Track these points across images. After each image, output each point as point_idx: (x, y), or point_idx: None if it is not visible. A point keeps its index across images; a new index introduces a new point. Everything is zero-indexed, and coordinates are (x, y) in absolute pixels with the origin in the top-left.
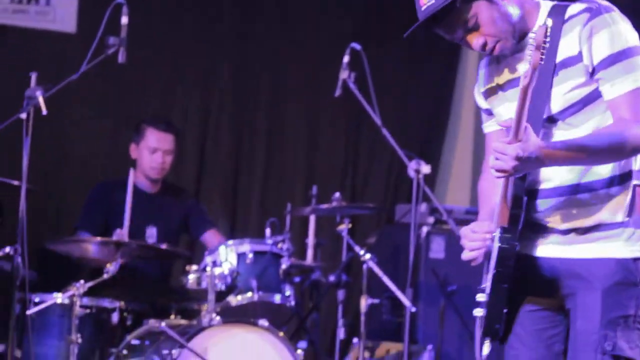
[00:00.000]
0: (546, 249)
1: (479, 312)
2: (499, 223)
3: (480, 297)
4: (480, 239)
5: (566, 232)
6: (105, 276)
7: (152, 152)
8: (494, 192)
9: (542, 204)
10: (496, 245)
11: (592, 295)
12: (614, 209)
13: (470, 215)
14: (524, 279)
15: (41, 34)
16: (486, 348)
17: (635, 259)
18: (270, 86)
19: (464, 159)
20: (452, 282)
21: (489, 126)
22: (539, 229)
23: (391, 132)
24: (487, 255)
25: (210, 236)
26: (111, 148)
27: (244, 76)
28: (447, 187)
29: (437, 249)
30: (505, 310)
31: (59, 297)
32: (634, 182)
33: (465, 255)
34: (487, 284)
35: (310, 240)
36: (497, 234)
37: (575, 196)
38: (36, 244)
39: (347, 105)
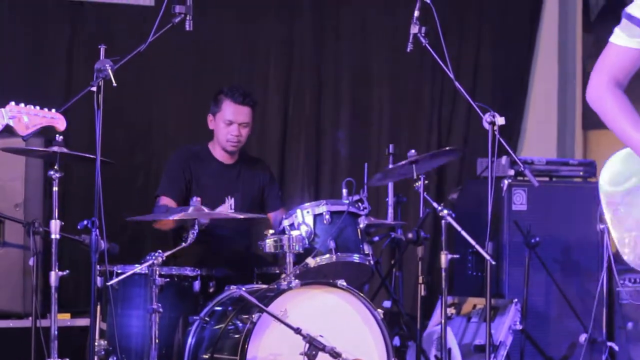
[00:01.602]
0: None
1: None
2: None
3: None
4: None
5: None
6: (183, 244)
7: (228, 125)
8: (632, 113)
9: None
10: None
11: None
12: None
13: (551, 165)
14: None
15: (119, 8)
16: None
17: None
18: (352, 48)
19: (550, 110)
20: (535, 234)
21: (633, 42)
22: None
23: (472, 86)
24: None
25: (276, 215)
26: (193, 119)
27: (324, 39)
28: (532, 139)
29: (519, 202)
30: None
31: (137, 268)
32: None
33: None
34: None
35: (390, 198)
36: None
37: None
38: (120, 217)
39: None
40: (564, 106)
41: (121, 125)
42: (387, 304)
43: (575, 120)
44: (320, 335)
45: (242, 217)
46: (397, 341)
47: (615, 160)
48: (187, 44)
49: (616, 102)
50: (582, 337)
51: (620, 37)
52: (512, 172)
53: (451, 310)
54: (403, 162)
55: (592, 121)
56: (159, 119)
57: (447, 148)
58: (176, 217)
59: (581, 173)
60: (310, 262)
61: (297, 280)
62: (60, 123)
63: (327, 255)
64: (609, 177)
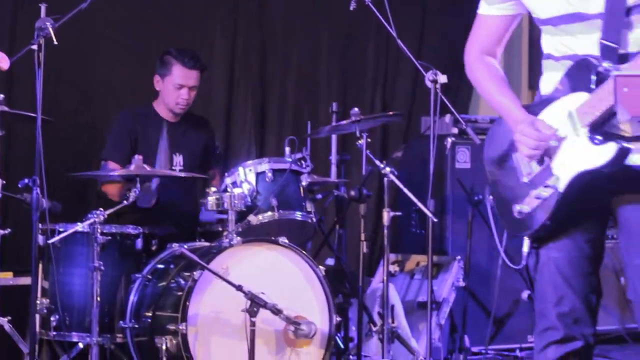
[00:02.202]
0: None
1: (524, 208)
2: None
3: (542, 193)
4: (546, 138)
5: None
6: (125, 203)
7: (178, 89)
8: (499, 79)
9: None
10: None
11: None
12: None
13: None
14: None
15: None
16: (526, 246)
17: None
18: (297, 6)
19: None
20: (479, 192)
21: (498, 9)
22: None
23: (419, 45)
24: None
25: (213, 173)
26: (137, 78)
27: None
28: (478, 99)
29: (463, 160)
30: (564, 214)
31: (79, 226)
32: (614, 72)
33: (527, 152)
34: (549, 181)
35: (334, 156)
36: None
37: None
38: (63, 176)
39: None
40: (510, 66)
41: (65, 85)
42: (330, 261)
43: (522, 80)
44: (262, 293)
45: (183, 175)
46: (340, 299)
47: (492, 129)
48: (130, 2)
49: (485, 71)
50: (525, 294)
51: (482, 6)
52: (455, 131)
53: (395, 268)
54: (345, 121)
55: (536, 81)
56: (103, 78)
57: (390, 113)
58: (118, 172)
59: None
60: (252, 219)
61: (238, 238)
62: (4, 62)
63: (269, 213)
64: (488, 146)
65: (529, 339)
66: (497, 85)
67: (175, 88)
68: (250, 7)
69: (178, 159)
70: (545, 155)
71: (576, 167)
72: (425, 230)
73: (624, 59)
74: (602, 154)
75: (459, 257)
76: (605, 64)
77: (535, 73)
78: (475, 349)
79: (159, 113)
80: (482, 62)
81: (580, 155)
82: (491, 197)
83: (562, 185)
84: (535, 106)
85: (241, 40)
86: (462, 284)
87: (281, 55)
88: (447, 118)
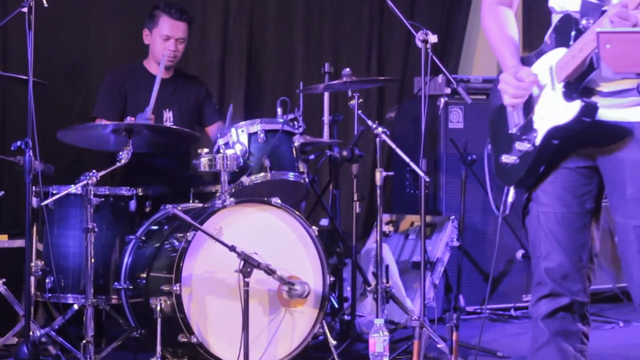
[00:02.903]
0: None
1: (510, 158)
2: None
3: (522, 146)
4: (526, 87)
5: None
6: (117, 164)
7: (165, 40)
8: (507, 29)
9: None
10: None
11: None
12: None
13: (488, 83)
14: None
15: None
16: (511, 196)
17: None
18: None
19: None
20: (472, 151)
21: None
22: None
23: (411, 5)
24: (528, 101)
25: (215, 128)
26: (131, 41)
27: None
28: (474, 57)
29: (456, 119)
30: (542, 168)
31: (72, 188)
32: (597, 29)
33: (508, 101)
34: (527, 135)
35: (326, 117)
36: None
37: None
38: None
39: None
40: None
41: (58, 48)
42: (324, 222)
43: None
44: (255, 253)
45: (176, 129)
46: (334, 259)
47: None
48: None
49: (493, 19)
50: (519, 253)
51: None
52: (448, 91)
53: (389, 228)
54: (337, 81)
55: (530, 42)
56: (97, 42)
57: (381, 78)
58: (109, 124)
59: None
60: (245, 180)
61: (231, 199)
62: None
63: (262, 174)
64: (492, 95)
65: (523, 298)
66: (500, 32)
67: (162, 40)
68: None
69: (168, 115)
70: (529, 108)
71: (550, 122)
72: (419, 190)
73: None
74: (569, 110)
75: (452, 217)
76: (584, 21)
77: (530, 34)
78: (470, 309)
79: (149, 69)
80: (495, 10)
81: (554, 111)
82: (490, 145)
83: (538, 139)
84: (532, 57)
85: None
86: (456, 243)
87: (274, 16)
88: (440, 78)
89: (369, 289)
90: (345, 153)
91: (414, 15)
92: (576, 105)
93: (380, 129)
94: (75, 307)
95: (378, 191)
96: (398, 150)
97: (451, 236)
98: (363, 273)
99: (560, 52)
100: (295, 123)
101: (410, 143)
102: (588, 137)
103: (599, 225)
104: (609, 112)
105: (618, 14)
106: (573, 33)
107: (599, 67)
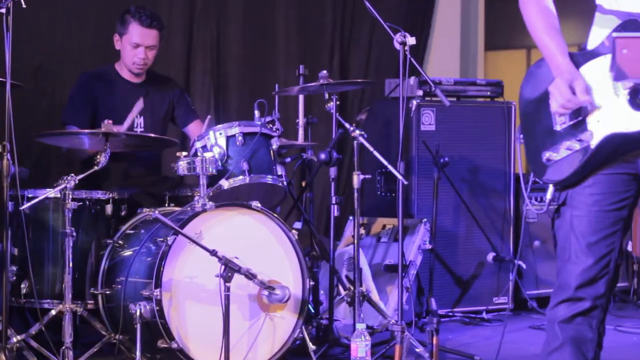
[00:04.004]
0: None
1: (554, 155)
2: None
3: (573, 146)
4: (578, 103)
5: None
6: (95, 168)
7: (135, 47)
8: (549, 19)
9: None
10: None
11: None
12: None
13: (459, 85)
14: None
15: None
16: (550, 193)
17: None
18: None
19: (453, 31)
20: (444, 153)
21: None
22: None
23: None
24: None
25: (193, 127)
26: (97, 39)
27: None
28: (436, 60)
29: (428, 121)
30: (590, 170)
31: (50, 192)
32: (613, 34)
33: (556, 109)
34: (583, 136)
35: (301, 119)
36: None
37: None
38: (28, 141)
39: None
40: (467, 27)
41: (24, 49)
42: (297, 225)
43: (478, 41)
44: (236, 257)
45: (153, 137)
46: (307, 262)
47: (532, 69)
48: None
49: (536, 7)
50: (490, 256)
51: None
52: (420, 93)
53: (361, 231)
54: (314, 84)
55: (493, 42)
56: (64, 41)
57: (364, 80)
58: (87, 131)
59: (489, 93)
60: (224, 183)
61: (211, 202)
62: None
63: (241, 177)
64: (526, 85)
65: (494, 300)
66: (545, 24)
67: (132, 47)
68: None
69: (139, 121)
70: (582, 107)
71: (611, 128)
72: (391, 193)
73: None
74: (637, 120)
75: (425, 220)
76: None
77: (492, 34)
78: (441, 312)
79: (120, 73)
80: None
81: (617, 117)
82: (522, 135)
83: (594, 142)
84: (580, 56)
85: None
86: (428, 246)
87: (240, 19)
88: (412, 80)
89: (344, 293)
90: (323, 156)
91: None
92: None
93: (357, 132)
94: (53, 312)
95: (355, 194)
96: (376, 154)
97: (423, 239)
98: (338, 276)
99: None
100: (272, 126)
101: (380, 145)
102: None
103: (628, 233)
104: None
105: None
106: None
107: (613, 71)
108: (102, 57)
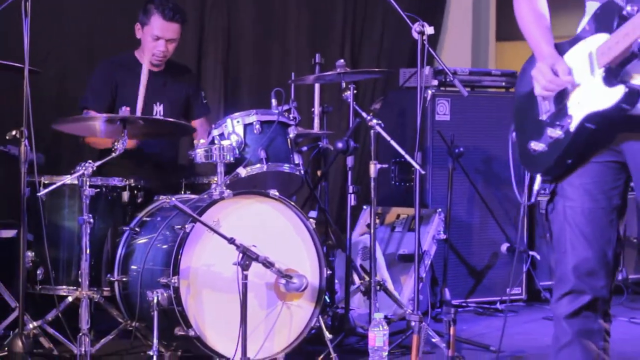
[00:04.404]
0: None
1: (539, 145)
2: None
3: (554, 133)
4: (560, 83)
5: None
6: (113, 154)
7: (156, 40)
8: (541, 12)
9: None
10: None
11: None
12: None
13: (474, 75)
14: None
15: None
16: (537, 184)
17: None
18: None
19: (465, 21)
20: (459, 144)
21: None
22: None
23: None
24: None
25: (200, 123)
26: (107, 25)
27: None
28: (448, 49)
29: (443, 111)
30: (573, 157)
31: (68, 178)
32: None
33: (539, 92)
34: (562, 121)
35: (316, 108)
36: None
37: None
38: (41, 127)
39: None
40: (479, 18)
41: (34, 34)
42: (312, 214)
43: (489, 31)
44: (254, 245)
45: (171, 121)
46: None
47: (524, 66)
48: None
49: (528, 6)
50: (504, 247)
51: None
52: (435, 82)
53: (375, 220)
54: (331, 72)
55: (504, 32)
56: (73, 27)
57: (378, 69)
58: (105, 116)
59: (503, 84)
60: (241, 171)
61: (229, 190)
62: None
63: (258, 165)
64: (519, 83)
65: (508, 291)
66: (534, 18)
67: (152, 39)
68: None
69: (158, 109)
70: (564, 95)
71: (588, 108)
72: (406, 183)
73: None
74: (612, 95)
75: (439, 210)
76: (629, 7)
77: (503, 24)
78: (455, 302)
79: (140, 61)
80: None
81: (593, 96)
82: (514, 133)
83: (573, 125)
84: (565, 44)
85: None
86: (443, 236)
87: (251, 9)
88: (427, 70)
89: (360, 282)
90: (340, 145)
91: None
92: (619, 90)
93: (374, 121)
94: (70, 299)
95: (372, 183)
96: (393, 143)
97: (438, 229)
98: (354, 266)
99: (602, 37)
100: (290, 114)
101: (395, 135)
102: (622, 125)
103: (623, 223)
104: None
105: None
106: (616, 19)
107: None
108: (112, 44)
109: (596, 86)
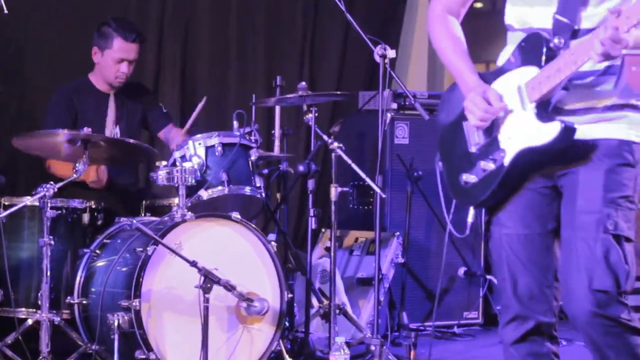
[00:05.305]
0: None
1: (471, 178)
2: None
3: (487, 166)
4: (494, 112)
5: (576, 112)
6: (74, 175)
7: (118, 62)
8: (457, 41)
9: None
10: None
11: (594, 173)
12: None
13: (433, 99)
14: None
15: None
16: (471, 216)
17: (635, 143)
18: None
19: (421, 45)
20: (417, 167)
21: None
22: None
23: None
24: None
25: (168, 131)
26: (69, 48)
27: None
28: (403, 72)
29: (402, 135)
30: (507, 189)
31: (29, 200)
32: (623, 51)
33: (474, 122)
34: (494, 155)
35: (277, 131)
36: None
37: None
38: (3, 147)
39: None
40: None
41: None
42: (271, 236)
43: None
44: (215, 269)
45: (133, 142)
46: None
47: (445, 95)
48: None
49: (444, 30)
50: (461, 271)
51: None
52: (394, 106)
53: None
54: (293, 95)
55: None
56: (33, 47)
57: (340, 92)
58: (67, 132)
59: None
60: (203, 194)
61: (190, 213)
62: None
63: (220, 188)
64: (441, 111)
65: (465, 315)
66: (454, 46)
67: (115, 62)
68: None
69: (115, 131)
70: (493, 126)
71: (522, 143)
72: (364, 206)
73: (575, 34)
74: (548, 132)
75: (397, 233)
76: (556, 40)
77: None
78: (413, 326)
79: (96, 86)
80: (444, 20)
81: (526, 131)
82: (440, 162)
83: (507, 160)
84: (488, 75)
85: (169, 13)
86: (401, 260)
87: (208, 28)
88: (386, 93)
89: (320, 306)
90: (301, 168)
91: (348, 28)
92: (554, 127)
93: (336, 144)
94: (30, 321)
95: (333, 207)
96: (354, 166)
97: (396, 252)
98: (314, 290)
99: (530, 70)
100: (252, 137)
101: (354, 158)
102: (558, 156)
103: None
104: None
105: (611, 37)
106: (544, 52)
107: (617, 87)
108: (73, 64)
109: (529, 121)
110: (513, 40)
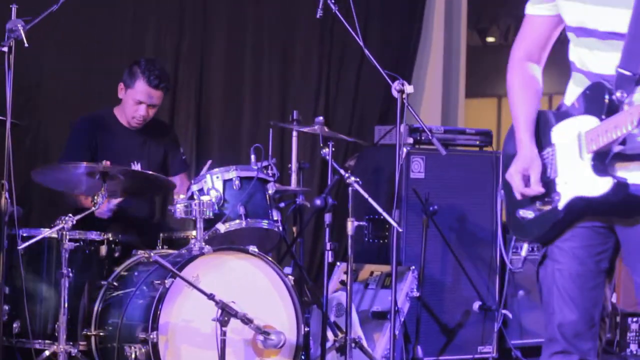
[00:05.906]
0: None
1: (528, 214)
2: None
3: (542, 207)
4: (530, 194)
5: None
6: (93, 208)
7: (138, 104)
8: (527, 91)
9: None
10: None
11: None
12: None
13: (448, 134)
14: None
15: None
16: (525, 251)
17: None
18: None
19: (435, 79)
20: (433, 202)
21: (540, 9)
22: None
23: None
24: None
25: (179, 179)
26: (85, 83)
27: (216, 7)
28: (417, 106)
29: (418, 169)
30: (561, 229)
31: (48, 232)
32: None
33: (519, 195)
34: (555, 196)
35: (294, 165)
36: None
37: None
38: (18, 179)
39: (316, 32)
40: (449, 76)
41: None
42: (287, 270)
43: (459, 88)
44: (233, 302)
45: (153, 175)
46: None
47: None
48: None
49: (517, 79)
50: (476, 305)
51: (528, 6)
52: (410, 140)
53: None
54: (309, 129)
55: (471, 89)
56: (49, 81)
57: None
58: (85, 165)
59: (477, 142)
60: (221, 227)
61: (208, 246)
62: None
63: (237, 221)
64: (508, 141)
65: (479, 349)
66: (522, 97)
67: (134, 102)
68: (196, 12)
69: (136, 167)
70: (551, 168)
71: (576, 190)
72: (380, 240)
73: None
74: (601, 185)
75: (413, 267)
76: (619, 94)
77: (471, 82)
78: (428, 359)
79: (119, 119)
80: (521, 68)
81: (581, 180)
82: (502, 191)
83: (561, 204)
84: (553, 115)
85: (186, 48)
86: (416, 294)
87: (224, 63)
88: (402, 127)
89: (335, 339)
90: (318, 202)
91: (363, 63)
92: (607, 182)
93: (352, 178)
94: (47, 353)
95: (349, 241)
96: (371, 200)
97: (411, 286)
98: (330, 323)
99: (590, 120)
100: (269, 170)
101: (370, 192)
102: (613, 207)
103: (611, 285)
104: (634, 181)
105: None
106: (605, 104)
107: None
108: (86, 101)
109: (585, 171)
110: (575, 80)
